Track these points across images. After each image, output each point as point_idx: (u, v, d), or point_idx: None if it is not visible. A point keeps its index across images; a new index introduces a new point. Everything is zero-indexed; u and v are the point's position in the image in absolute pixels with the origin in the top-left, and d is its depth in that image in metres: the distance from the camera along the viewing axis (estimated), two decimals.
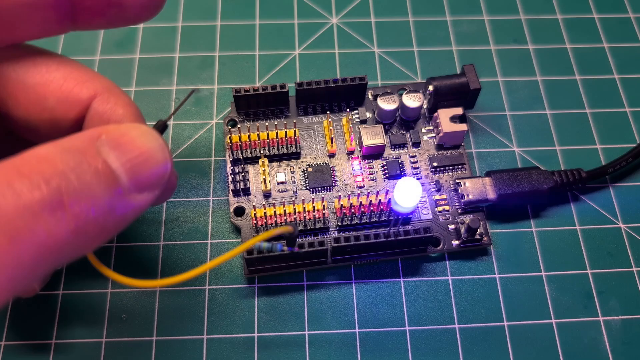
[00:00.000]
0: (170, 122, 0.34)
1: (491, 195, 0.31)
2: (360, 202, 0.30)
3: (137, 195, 0.19)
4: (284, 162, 0.32)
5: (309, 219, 0.30)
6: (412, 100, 0.32)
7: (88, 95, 0.23)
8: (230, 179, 0.31)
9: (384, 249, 0.29)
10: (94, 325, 0.29)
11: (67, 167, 0.17)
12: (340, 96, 0.33)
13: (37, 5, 0.21)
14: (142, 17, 0.24)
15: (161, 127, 0.22)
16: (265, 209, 0.29)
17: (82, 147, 0.18)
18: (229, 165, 0.32)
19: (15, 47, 0.23)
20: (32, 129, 0.23)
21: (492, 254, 0.31)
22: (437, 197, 0.31)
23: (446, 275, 0.30)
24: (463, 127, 0.32)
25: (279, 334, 0.29)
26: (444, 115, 0.32)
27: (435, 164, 0.32)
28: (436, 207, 0.31)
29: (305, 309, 0.29)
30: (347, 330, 0.29)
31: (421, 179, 0.32)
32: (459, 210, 0.31)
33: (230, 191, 0.31)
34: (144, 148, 0.19)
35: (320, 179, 0.31)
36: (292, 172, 0.32)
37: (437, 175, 0.32)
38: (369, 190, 0.31)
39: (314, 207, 0.29)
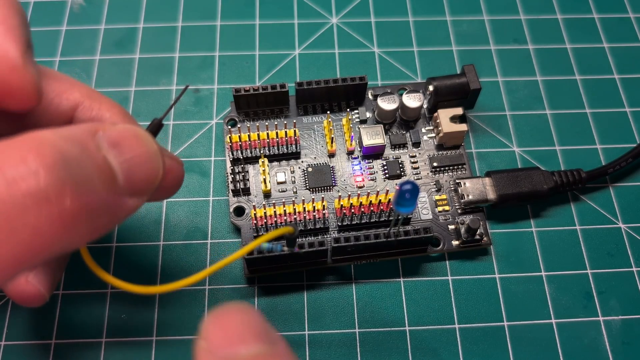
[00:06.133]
0: (170, 122, 0.34)
1: (491, 195, 0.31)
2: (360, 202, 0.30)
3: (128, 198, 0.18)
4: (284, 162, 0.32)
5: (309, 219, 0.30)
6: (412, 100, 0.32)
7: (69, 105, 0.22)
8: (230, 179, 0.31)
9: (384, 249, 0.29)
10: (94, 325, 0.29)
11: (71, 155, 0.16)
12: (340, 96, 0.33)
13: None
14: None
15: (156, 127, 0.22)
16: (265, 209, 0.29)
17: (82, 139, 0.17)
18: (228, 165, 0.32)
19: None
20: None
21: (492, 254, 0.31)
22: (437, 197, 0.31)
23: (446, 275, 0.30)
24: (463, 127, 0.32)
25: (279, 334, 0.29)
26: (444, 115, 0.32)
27: (435, 164, 0.32)
28: (436, 207, 0.31)
29: (305, 309, 0.29)
30: (347, 330, 0.29)
31: (421, 179, 0.32)
32: (459, 211, 0.31)
33: (230, 191, 0.31)
34: (140, 151, 0.19)
35: (320, 179, 0.31)
36: (292, 172, 0.32)
37: (437, 175, 0.32)
38: (369, 190, 0.31)
39: (314, 207, 0.29)
